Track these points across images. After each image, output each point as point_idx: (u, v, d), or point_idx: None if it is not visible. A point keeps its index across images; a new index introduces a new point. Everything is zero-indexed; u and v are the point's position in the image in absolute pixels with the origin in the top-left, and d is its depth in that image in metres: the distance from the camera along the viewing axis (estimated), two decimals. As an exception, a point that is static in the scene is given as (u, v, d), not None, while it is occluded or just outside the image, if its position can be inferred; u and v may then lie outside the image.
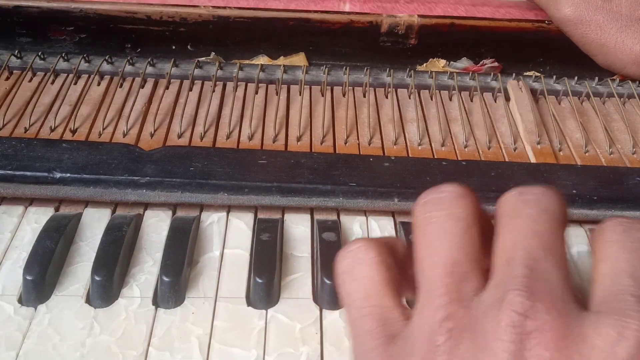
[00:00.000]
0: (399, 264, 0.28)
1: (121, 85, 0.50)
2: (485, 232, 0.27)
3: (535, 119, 0.48)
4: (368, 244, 0.28)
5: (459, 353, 0.24)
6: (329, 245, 0.37)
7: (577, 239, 0.39)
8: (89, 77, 0.51)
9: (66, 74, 0.51)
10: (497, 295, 0.24)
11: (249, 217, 0.39)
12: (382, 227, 0.39)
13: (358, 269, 0.27)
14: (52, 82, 0.50)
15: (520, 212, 0.27)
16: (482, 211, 0.28)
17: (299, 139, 0.46)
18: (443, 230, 0.26)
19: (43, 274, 0.34)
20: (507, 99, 0.51)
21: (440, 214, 0.27)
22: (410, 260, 0.28)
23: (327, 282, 0.34)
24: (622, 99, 0.52)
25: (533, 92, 0.52)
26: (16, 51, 0.52)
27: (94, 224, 0.38)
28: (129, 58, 0.52)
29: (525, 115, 0.48)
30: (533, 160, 0.45)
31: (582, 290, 0.30)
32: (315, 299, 0.35)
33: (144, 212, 0.39)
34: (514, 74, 0.53)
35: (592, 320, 0.23)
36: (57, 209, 0.39)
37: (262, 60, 0.55)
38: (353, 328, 0.27)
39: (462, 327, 0.24)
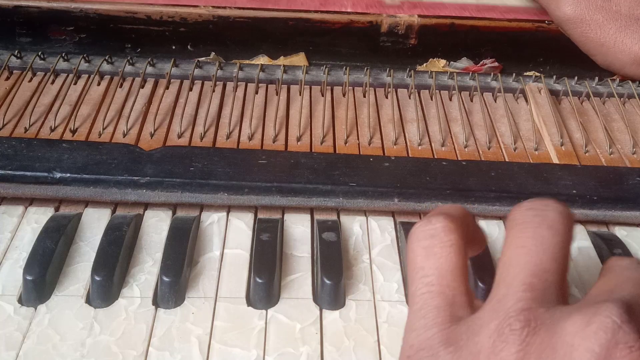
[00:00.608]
0: (469, 233, 0.30)
1: (121, 85, 0.50)
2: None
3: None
4: (449, 226, 0.28)
5: (533, 343, 0.24)
6: (329, 245, 0.37)
7: (577, 235, 0.40)
8: (89, 77, 0.51)
9: (66, 74, 0.51)
10: (590, 305, 0.24)
11: (249, 217, 0.39)
12: (382, 227, 0.39)
13: (438, 248, 0.28)
14: (52, 82, 0.50)
15: (634, 269, 0.28)
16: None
17: (299, 139, 0.46)
18: (542, 237, 0.27)
19: (43, 274, 0.34)
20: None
21: (542, 222, 0.28)
22: (476, 229, 0.31)
23: (327, 282, 0.34)
24: (622, 99, 0.52)
25: (532, 92, 0.52)
26: (16, 51, 0.52)
27: (94, 224, 0.38)
28: (129, 58, 0.52)
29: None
30: (532, 160, 0.45)
31: None
32: (315, 299, 0.35)
33: (144, 212, 0.39)
34: (514, 74, 0.53)
35: None
36: (57, 209, 0.40)
37: (262, 60, 0.55)
38: (417, 300, 0.28)
39: (540, 322, 0.25)
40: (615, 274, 0.28)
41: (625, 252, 0.38)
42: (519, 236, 0.28)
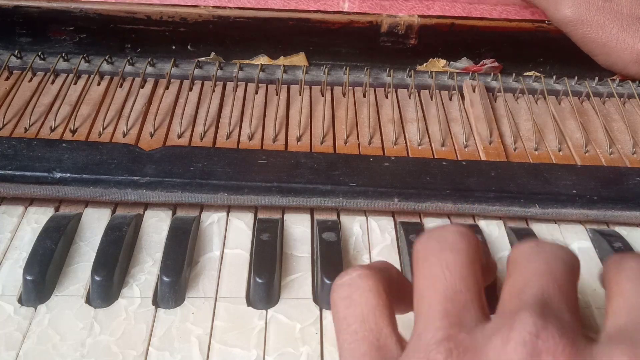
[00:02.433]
0: (394, 286, 0.29)
1: (121, 85, 0.50)
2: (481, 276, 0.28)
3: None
4: (366, 272, 0.28)
5: None
6: (329, 245, 0.37)
7: (577, 235, 0.40)
8: (89, 77, 0.51)
9: (66, 74, 0.51)
10: (505, 320, 0.24)
11: (249, 217, 0.39)
12: (382, 227, 0.39)
13: (356, 295, 0.28)
14: (52, 82, 0.50)
15: (536, 257, 0.27)
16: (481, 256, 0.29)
17: (299, 139, 0.46)
18: (445, 261, 0.27)
19: (43, 274, 0.34)
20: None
21: (442, 246, 0.28)
22: (404, 283, 0.29)
23: (327, 282, 0.34)
24: (622, 99, 0.52)
25: (533, 92, 0.52)
26: (16, 51, 0.52)
27: (94, 224, 0.38)
28: (129, 58, 0.52)
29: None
30: (532, 160, 0.45)
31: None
32: (316, 299, 0.35)
33: (144, 212, 0.39)
34: (514, 74, 0.53)
35: (603, 349, 0.23)
36: (57, 209, 0.40)
37: (262, 60, 0.55)
38: (346, 352, 0.27)
39: (463, 349, 0.24)
40: (520, 269, 0.27)
41: (626, 247, 0.38)
42: (424, 266, 0.28)
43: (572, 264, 0.27)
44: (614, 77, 0.54)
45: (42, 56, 0.51)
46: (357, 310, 0.27)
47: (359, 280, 0.28)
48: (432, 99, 0.51)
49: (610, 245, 0.38)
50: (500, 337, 0.23)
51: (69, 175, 0.39)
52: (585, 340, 0.24)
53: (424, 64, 0.56)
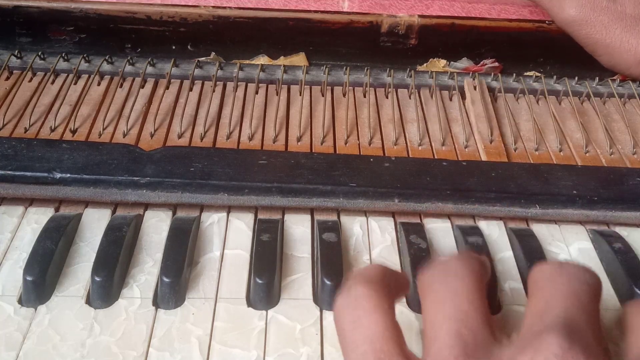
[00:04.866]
0: (392, 285, 0.29)
1: (121, 85, 0.50)
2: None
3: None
4: (368, 292, 0.28)
5: None
6: (329, 246, 0.37)
7: (577, 236, 0.40)
8: (89, 77, 0.51)
9: (66, 74, 0.51)
10: (530, 341, 0.25)
11: (249, 218, 0.39)
12: (382, 227, 0.39)
13: (364, 319, 0.28)
14: (52, 82, 0.50)
15: (559, 278, 0.28)
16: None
17: (299, 139, 0.46)
18: (452, 286, 0.28)
19: (43, 275, 0.34)
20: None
21: (447, 273, 0.28)
22: (397, 276, 0.30)
23: (328, 282, 0.34)
24: (622, 99, 0.52)
25: (533, 92, 0.52)
26: (16, 51, 0.52)
27: (94, 224, 0.38)
28: (129, 58, 0.52)
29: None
30: (531, 160, 0.45)
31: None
32: (316, 299, 0.35)
33: (144, 213, 0.39)
34: (514, 74, 0.53)
35: None
36: (57, 209, 0.39)
37: (262, 60, 0.55)
38: None
39: None
40: (542, 290, 0.28)
41: (626, 247, 0.38)
42: (431, 293, 0.28)
43: (594, 285, 0.28)
44: (615, 77, 0.54)
45: (42, 56, 0.51)
46: (365, 332, 0.27)
47: (364, 301, 0.28)
48: (432, 99, 0.51)
49: (610, 245, 0.38)
50: (526, 358, 0.24)
51: (69, 175, 0.38)
52: None
53: (424, 64, 0.56)
